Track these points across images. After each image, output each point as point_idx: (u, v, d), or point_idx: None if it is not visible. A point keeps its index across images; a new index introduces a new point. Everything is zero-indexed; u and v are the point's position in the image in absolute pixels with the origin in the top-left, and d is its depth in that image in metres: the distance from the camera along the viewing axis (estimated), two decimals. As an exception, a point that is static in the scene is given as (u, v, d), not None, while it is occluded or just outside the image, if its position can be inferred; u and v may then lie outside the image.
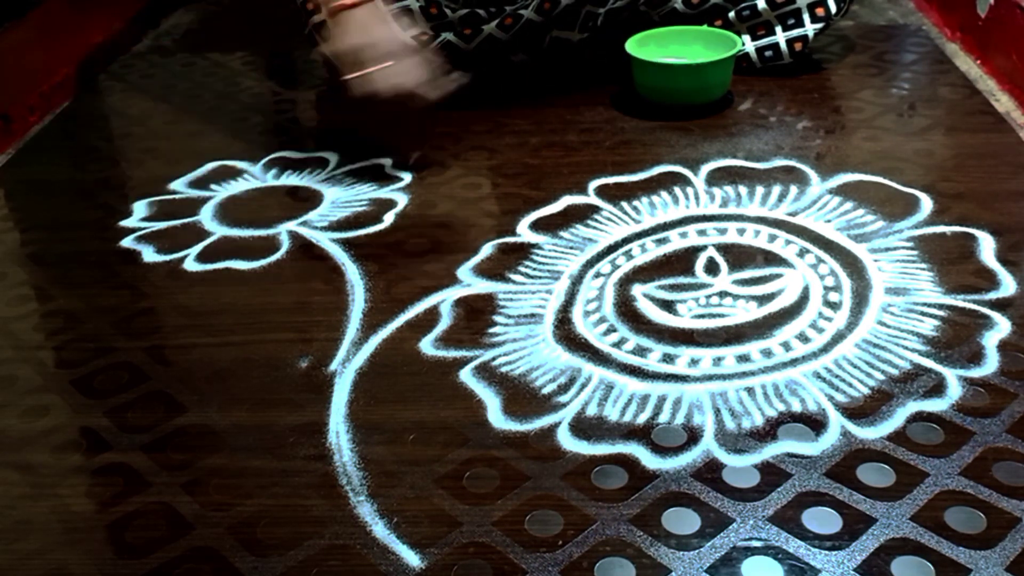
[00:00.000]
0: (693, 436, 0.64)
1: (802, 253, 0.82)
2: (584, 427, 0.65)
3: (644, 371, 0.70)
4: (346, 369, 0.72)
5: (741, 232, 0.85)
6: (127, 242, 0.92)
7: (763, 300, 0.77)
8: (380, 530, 0.59)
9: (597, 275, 0.81)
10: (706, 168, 0.96)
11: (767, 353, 0.71)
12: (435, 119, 1.11)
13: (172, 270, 0.87)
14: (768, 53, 1.14)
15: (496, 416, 0.67)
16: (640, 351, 0.72)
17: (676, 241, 0.85)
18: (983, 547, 0.55)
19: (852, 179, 0.93)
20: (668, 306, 0.77)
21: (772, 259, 0.81)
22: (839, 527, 0.57)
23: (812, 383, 0.68)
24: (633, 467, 0.62)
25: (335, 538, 0.58)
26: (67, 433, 0.69)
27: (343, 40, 0.94)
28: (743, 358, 0.70)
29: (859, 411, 0.65)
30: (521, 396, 0.68)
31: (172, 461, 0.65)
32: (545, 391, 0.69)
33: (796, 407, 0.66)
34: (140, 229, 0.94)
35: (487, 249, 0.86)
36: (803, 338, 0.72)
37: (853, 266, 0.80)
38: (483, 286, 0.81)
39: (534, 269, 0.83)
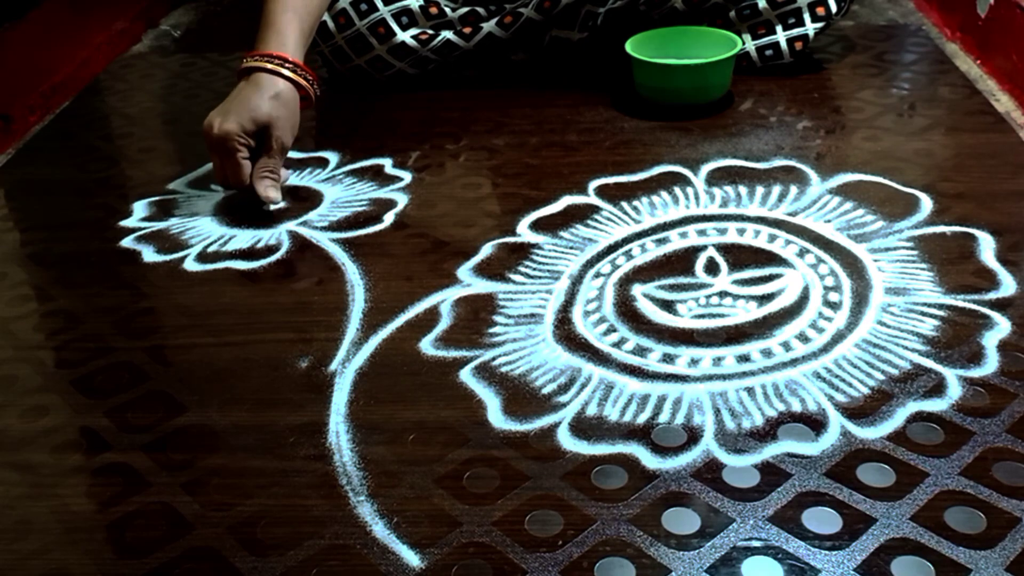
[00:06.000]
0: (693, 436, 0.64)
1: (802, 253, 0.82)
2: (584, 427, 0.65)
3: (644, 371, 0.70)
4: (346, 369, 0.72)
5: (741, 232, 0.85)
6: (127, 242, 0.92)
7: (763, 300, 0.77)
8: (380, 530, 0.59)
9: (597, 275, 0.81)
10: (706, 168, 0.96)
11: (767, 353, 0.71)
12: (435, 119, 1.11)
13: (172, 270, 0.87)
14: (768, 52, 1.14)
15: (496, 416, 0.67)
16: (640, 351, 0.72)
17: (676, 241, 0.85)
18: (983, 547, 0.55)
19: (852, 179, 0.93)
20: (668, 306, 0.77)
21: (772, 259, 0.81)
22: (839, 527, 0.57)
23: (812, 383, 0.68)
24: (633, 467, 0.62)
25: (335, 538, 0.58)
26: (67, 433, 0.69)
27: (214, 114, 0.92)
28: (743, 358, 0.70)
29: (859, 411, 0.65)
30: (521, 396, 0.68)
31: (172, 461, 0.65)
32: (545, 391, 0.69)
33: (796, 407, 0.66)
34: (140, 229, 0.94)
35: (487, 249, 0.86)
36: (803, 338, 0.72)
37: (853, 266, 0.80)
38: (483, 286, 0.81)
39: (534, 269, 0.83)
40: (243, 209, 0.95)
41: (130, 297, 0.84)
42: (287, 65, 0.93)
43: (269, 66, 0.93)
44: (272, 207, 0.94)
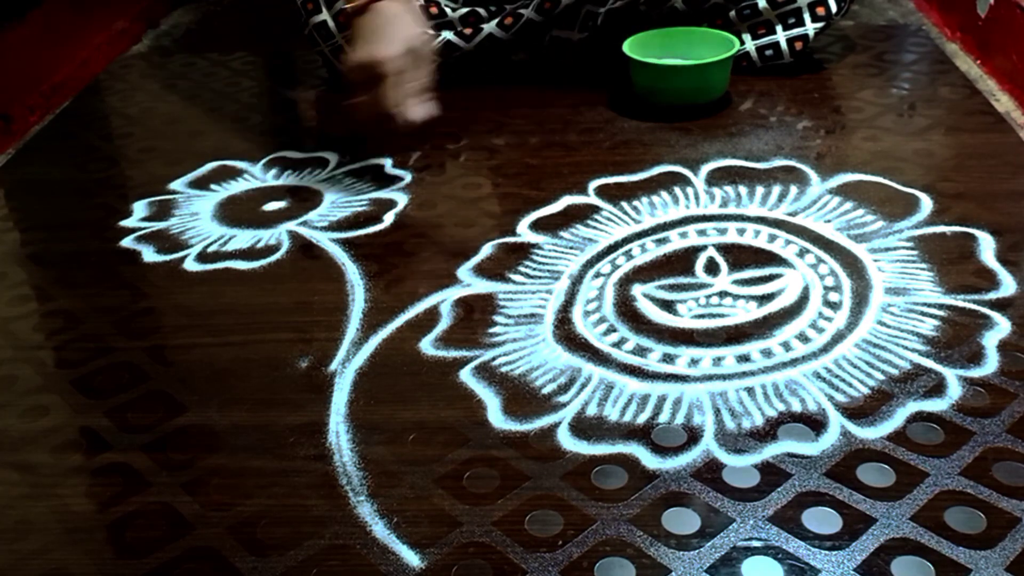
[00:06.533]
0: (693, 436, 0.64)
1: (802, 253, 0.82)
2: (584, 427, 0.65)
3: (644, 371, 0.70)
4: (346, 369, 0.72)
5: (741, 232, 0.85)
6: (127, 242, 0.92)
7: (763, 300, 0.77)
8: (380, 530, 0.59)
9: (597, 275, 0.81)
10: (706, 168, 0.96)
11: (767, 353, 0.71)
12: (435, 119, 1.11)
13: (172, 270, 0.87)
14: (769, 52, 1.14)
15: (496, 416, 0.67)
16: (640, 351, 0.72)
17: (676, 241, 0.85)
18: (983, 547, 0.55)
19: (852, 179, 0.93)
20: (668, 306, 0.77)
21: (772, 259, 0.81)
22: (839, 527, 0.57)
23: (812, 383, 0.68)
24: (633, 467, 0.62)
25: (335, 538, 0.58)
26: (67, 433, 0.69)
27: (355, 52, 0.92)
28: (743, 358, 0.70)
29: (859, 411, 0.65)
30: (521, 396, 0.68)
31: (172, 461, 0.65)
32: (545, 391, 0.69)
33: (796, 407, 0.66)
34: (140, 229, 0.94)
35: (487, 249, 0.86)
36: (803, 338, 0.72)
37: (853, 266, 0.80)
38: (483, 286, 0.81)
39: (534, 269, 0.83)
40: (243, 209, 0.95)
41: (130, 297, 0.84)
42: None
43: None
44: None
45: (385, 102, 0.90)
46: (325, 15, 1.13)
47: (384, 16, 0.92)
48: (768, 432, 0.64)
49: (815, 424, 0.64)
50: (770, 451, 0.62)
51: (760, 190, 0.92)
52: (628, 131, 1.06)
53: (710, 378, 0.69)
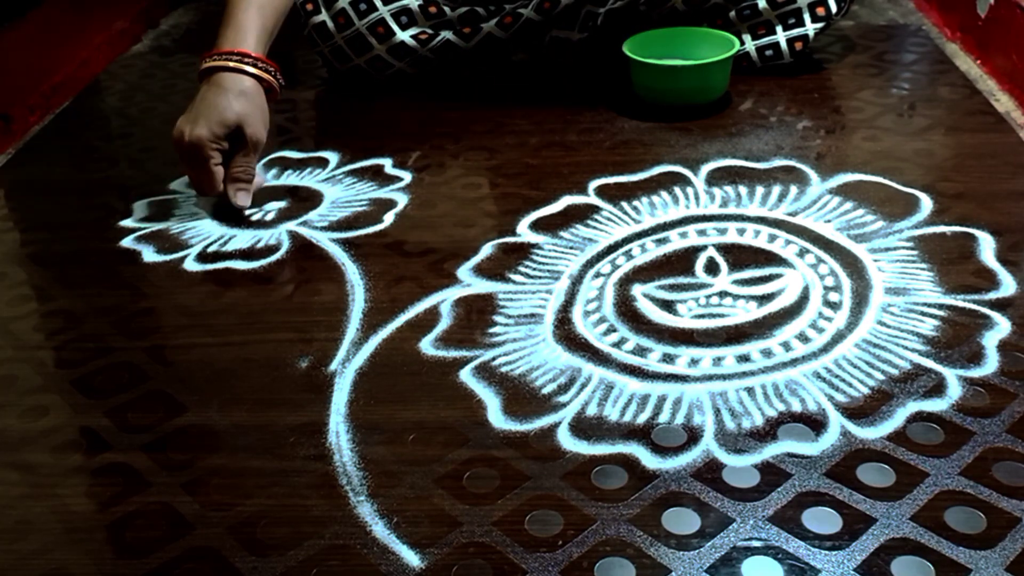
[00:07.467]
0: (693, 436, 0.64)
1: (802, 253, 0.82)
2: (584, 427, 0.65)
3: (644, 371, 0.70)
4: (346, 369, 0.72)
5: (741, 232, 0.85)
6: (127, 242, 0.92)
7: (763, 300, 0.77)
8: (380, 530, 0.59)
9: (597, 275, 0.81)
10: (706, 168, 0.96)
11: (767, 353, 0.71)
12: (435, 119, 1.11)
13: (172, 270, 0.87)
14: (768, 52, 1.14)
15: (496, 416, 0.67)
16: (640, 351, 0.72)
17: (676, 241, 0.85)
18: (983, 547, 0.55)
19: (852, 179, 0.93)
20: (668, 306, 0.77)
21: (772, 259, 0.81)
22: (839, 527, 0.57)
23: (812, 383, 0.68)
24: (633, 467, 0.62)
25: (335, 538, 0.58)
26: (67, 433, 0.69)
27: (181, 122, 0.89)
28: (743, 358, 0.70)
29: (859, 411, 0.65)
30: (521, 396, 0.68)
31: (172, 461, 0.65)
32: (545, 391, 0.69)
33: (796, 407, 0.66)
34: (140, 229, 0.94)
35: (487, 249, 0.86)
36: (803, 338, 0.72)
37: (853, 266, 0.80)
38: (483, 286, 0.81)
39: (534, 269, 0.83)
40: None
41: (130, 297, 0.84)
42: (247, 60, 0.91)
43: (231, 64, 0.90)
44: (246, 213, 0.93)
45: (206, 181, 0.90)
46: (324, 16, 1.13)
47: (225, 90, 0.89)
48: (768, 432, 0.64)
49: (815, 424, 0.64)
50: (770, 451, 0.62)
51: (760, 190, 0.92)
52: (628, 131, 1.06)
53: (710, 378, 0.69)
